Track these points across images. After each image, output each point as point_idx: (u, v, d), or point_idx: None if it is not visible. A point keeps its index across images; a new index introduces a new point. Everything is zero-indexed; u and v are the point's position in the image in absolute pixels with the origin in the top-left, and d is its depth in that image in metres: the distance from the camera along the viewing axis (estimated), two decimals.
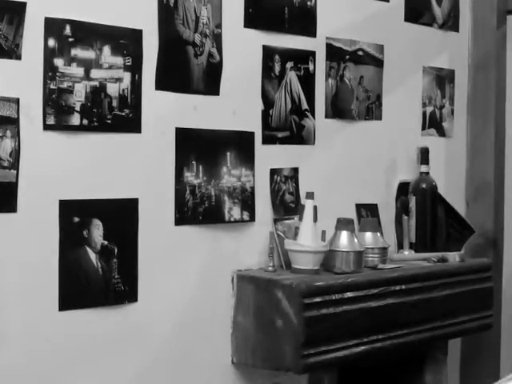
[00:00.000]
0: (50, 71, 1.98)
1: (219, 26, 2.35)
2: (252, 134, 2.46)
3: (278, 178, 2.54)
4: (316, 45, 2.65)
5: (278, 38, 2.52)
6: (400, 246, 2.92)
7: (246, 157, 2.44)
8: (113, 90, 2.11)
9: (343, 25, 2.74)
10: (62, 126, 2.01)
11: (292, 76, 2.57)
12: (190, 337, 2.32)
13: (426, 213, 2.92)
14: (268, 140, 2.50)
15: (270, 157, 2.51)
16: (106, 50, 2.09)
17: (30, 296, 1.96)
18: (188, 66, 2.29)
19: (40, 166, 1.98)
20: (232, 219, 2.40)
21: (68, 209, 2.03)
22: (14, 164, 1.92)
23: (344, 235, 2.48)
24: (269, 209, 2.51)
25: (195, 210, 2.30)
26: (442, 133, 3.17)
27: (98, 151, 2.09)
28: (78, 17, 2.03)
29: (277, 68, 2.52)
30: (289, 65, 2.56)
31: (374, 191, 2.88)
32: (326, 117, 2.69)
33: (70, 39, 2.02)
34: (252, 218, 2.45)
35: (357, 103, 2.80)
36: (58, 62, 2.00)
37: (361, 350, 2.39)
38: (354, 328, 2.37)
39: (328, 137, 2.70)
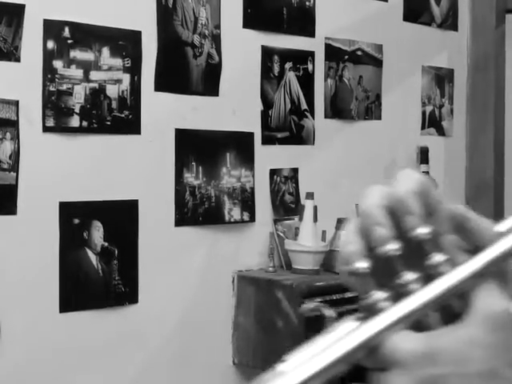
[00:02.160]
0: (49, 73, 1.98)
1: (218, 26, 2.35)
2: (251, 135, 2.46)
3: (278, 179, 2.54)
4: (315, 45, 2.65)
5: (276, 39, 2.52)
6: None
7: (246, 157, 2.44)
8: (112, 91, 2.11)
9: (342, 25, 2.74)
10: (61, 127, 2.01)
11: (291, 76, 2.57)
12: (190, 338, 2.32)
13: None
14: (267, 140, 2.50)
15: (269, 157, 2.51)
16: (105, 51, 2.09)
17: (30, 298, 1.96)
18: (187, 67, 2.29)
19: (40, 167, 1.98)
20: (232, 220, 2.40)
21: (68, 210, 2.03)
22: (14, 166, 1.92)
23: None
24: (269, 209, 2.51)
25: (195, 210, 2.30)
26: (441, 132, 3.17)
27: (97, 153, 2.09)
28: (77, 18, 2.03)
29: (276, 68, 2.52)
30: (288, 65, 2.55)
31: None
32: (326, 117, 2.69)
33: (69, 41, 2.02)
34: (252, 219, 2.45)
35: (356, 103, 2.80)
36: (57, 64, 2.00)
37: None
38: None
39: (327, 137, 2.70)
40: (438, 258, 0.59)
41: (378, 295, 0.58)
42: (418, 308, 0.57)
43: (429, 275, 0.58)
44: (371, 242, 0.59)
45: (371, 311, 0.58)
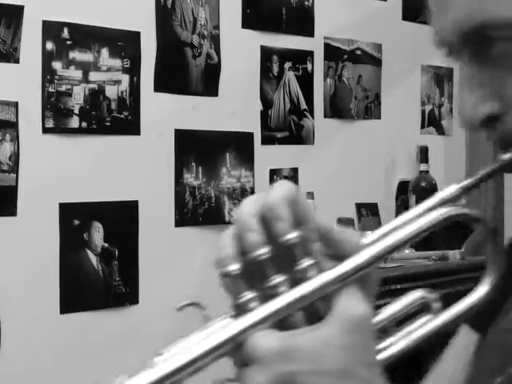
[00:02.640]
0: (48, 74, 1.98)
1: (217, 27, 2.36)
2: (251, 135, 2.46)
3: (278, 179, 2.54)
4: (314, 45, 2.65)
5: (275, 39, 2.52)
6: None
7: (246, 157, 2.44)
8: (111, 92, 2.11)
9: (341, 24, 2.74)
10: (61, 129, 2.01)
11: (290, 76, 2.57)
12: None
13: None
14: (267, 140, 2.50)
15: (269, 157, 2.51)
16: (104, 52, 2.10)
17: (31, 299, 1.96)
18: (186, 68, 2.29)
19: (39, 169, 1.98)
20: (232, 220, 2.39)
21: (68, 212, 2.03)
22: (14, 168, 1.92)
23: None
24: None
25: (195, 211, 2.30)
26: (441, 131, 3.17)
27: (97, 154, 2.09)
28: (76, 19, 2.03)
29: (275, 68, 2.52)
30: (287, 65, 2.56)
31: (373, 190, 2.88)
32: (325, 116, 2.70)
33: (68, 42, 2.02)
34: None
35: (355, 102, 2.80)
36: (57, 65, 2.00)
37: None
38: None
39: (327, 136, 2.70)
40: (306, 263, 0.63)
41: (249, 296, 0.64)
42: (282, 309, 0.61)
43: (297, 279, 0.63)
44: (244, 246, 0.63)
45: (242, 310, 0.64)
